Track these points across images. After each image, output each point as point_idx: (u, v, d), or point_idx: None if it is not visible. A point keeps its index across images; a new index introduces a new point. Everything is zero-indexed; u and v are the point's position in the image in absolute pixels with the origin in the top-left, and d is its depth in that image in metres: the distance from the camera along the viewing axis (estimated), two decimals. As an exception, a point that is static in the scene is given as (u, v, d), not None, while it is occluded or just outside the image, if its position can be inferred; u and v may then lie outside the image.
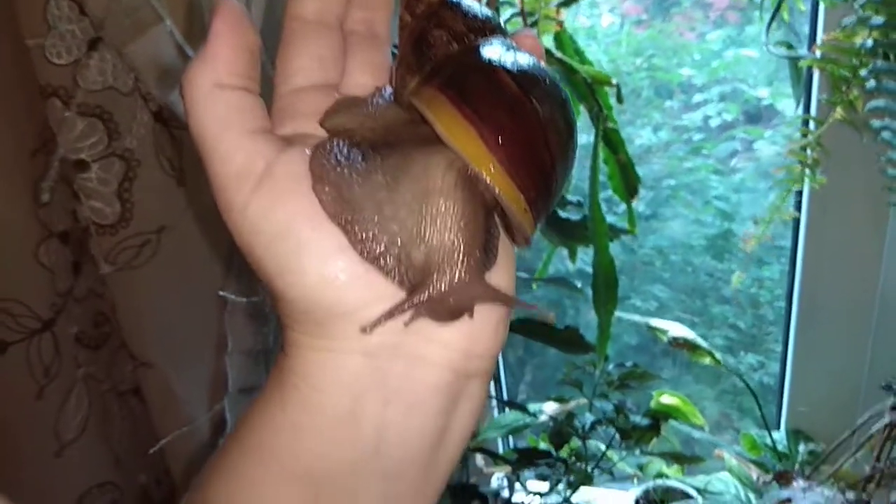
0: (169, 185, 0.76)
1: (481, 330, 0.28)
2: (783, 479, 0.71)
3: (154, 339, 0.78)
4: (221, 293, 0.72)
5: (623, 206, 0.77)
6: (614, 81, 0.65)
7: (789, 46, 0.69)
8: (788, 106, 1.59)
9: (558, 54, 0.64)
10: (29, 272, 0.69)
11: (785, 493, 0.63)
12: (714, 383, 1.59)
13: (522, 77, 0.26)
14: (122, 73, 0.70)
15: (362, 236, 0.25)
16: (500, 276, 0.28)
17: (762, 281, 1.61)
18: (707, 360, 0.86)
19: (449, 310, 0.26)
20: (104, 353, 0.79)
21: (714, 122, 1.61)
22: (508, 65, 0.27)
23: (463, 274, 0.25)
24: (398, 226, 0.25)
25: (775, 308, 1.57)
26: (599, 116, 0.66)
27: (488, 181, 0.25)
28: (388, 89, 0.30)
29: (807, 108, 0.79)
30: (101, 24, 0.66)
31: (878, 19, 0.47)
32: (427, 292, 0.25)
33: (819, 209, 0.82)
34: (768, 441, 0.95)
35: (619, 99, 0.66)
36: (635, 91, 1.59)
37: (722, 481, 0.95)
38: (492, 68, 0.26)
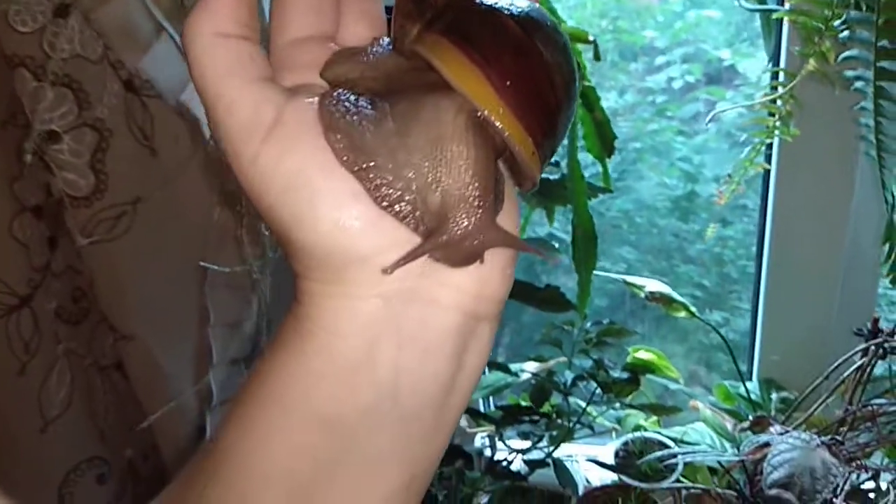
0: (142, 155, 0.75)
1: (491, 273, 0.29)
2: (760, 424, 0.74)
3: (135, 311, 0.77)
4: (202, 264, 0.71)
5: (591, 168, 0.78)
6: (591, 38, 0.65)
7: (761, 0, 0.70)
8: (750, 67, 1.62)
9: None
10: (3, 248, 0.67)
11: (763, 438, 0.66)
12: (682, 341, 1.63)
13: (525, 20, 0.27)
14: (90, 41, 0.68)
15: (377, 183, 0.26)
16: (506, 220, 0.29)
17: (725, 240, 1.65)
18: (682, 314, 0.88)
19: (464, 254, 0.27)
20: (84, 329, 0.79)
21: (677, 84, 1.63)
22: (510, 9, 0.27)
23: (479, 218, 0.26)
24: (413, 171, 0.26)
25: (738, 266, 1.61)
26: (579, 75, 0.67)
27: (498, 124, 0.26)
28: (386, 40, 0.30)
29: (776, 62, 0.81)
30: (66, -10, 0.64)
31: (851, -30, 0.48)
32: (445, 236, 0.26)
33: (789, 162, 0.84)
34: (741, 391, 0.98)
35: (597, 56, 0.67)
36: (601, 53, 1.59)
37: (697, 431, 0.97)
38: (494, 12, 0.27)
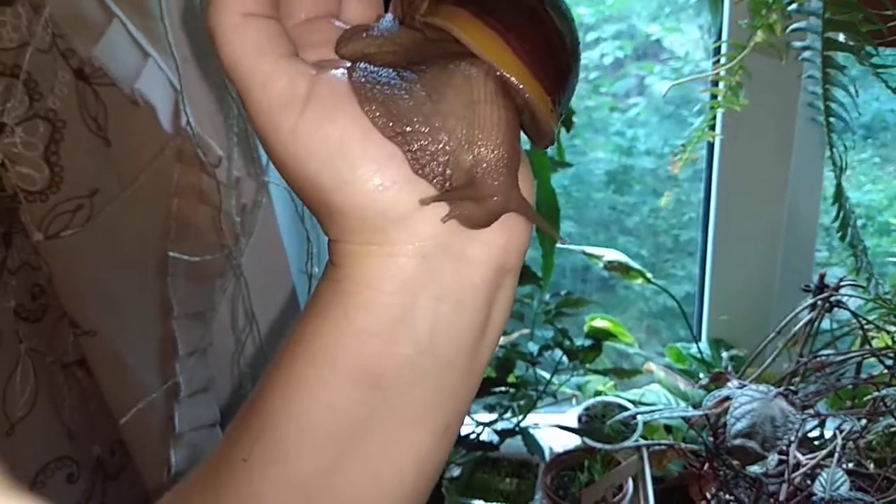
0: (97, 146, 0.73)
1: (514, 225, 0.31)
2: (719, 380, 0.78)
3: (95, 305, 0.76)
4: (171, 254, 0.70)
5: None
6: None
7: (706, -24, 0.72)
8: (676, 41, 1.67)
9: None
10: (-44, 247, 0.65)
11: (724, 392, 0.69)
12: (623, 311, 1.68)
13: None
14: (38, 29, 0.66)
15: (414, 147, 0.28)
16: (524, 184, 0.30)
17: (657, 211, 1.70)
18: (639, 281, 0.92)
19: (487, 213, 0.29)
20: (45, 326, 0.77)
21: (608, 60, 1.66)
22: None
23: (504, 180, 0.28)
24: (448, 135, 0.28)
25: (671, 235, 1.67)
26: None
27: (521, 86, 0.28)
28: (389, 16, 0.31)
29: (718, 35, 0.84)
30: (11, -23, 0.62)
31: (800, -55, 0.51)
32: (474, 190, 0.28)
33: (731, 131, 0.88)
34: (693, 351, 1.03)
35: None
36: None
37: (653, 392, 1.02)
38: None
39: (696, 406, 0.94)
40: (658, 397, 1.02)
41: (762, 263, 0.98)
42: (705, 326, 1.09)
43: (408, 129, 0.28)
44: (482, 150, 0.28)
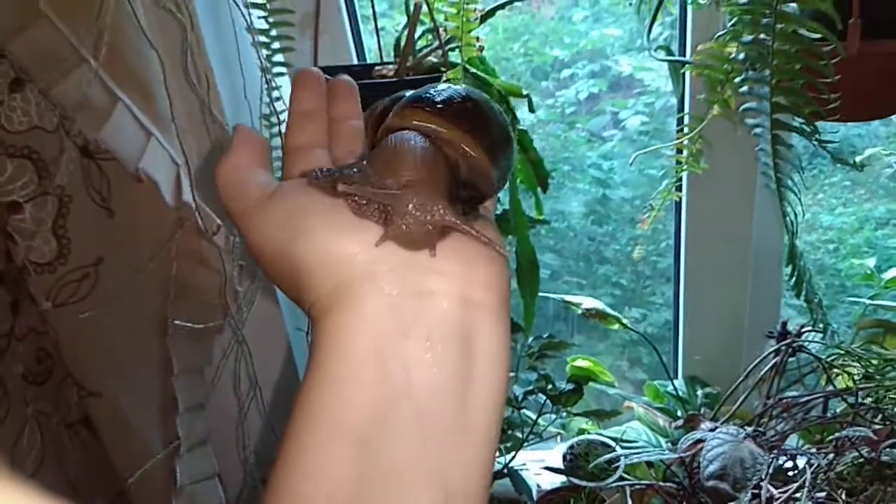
0: (101, 217, 0.77)
1: (475, 258, 0.33)
2: (692, 422, 0.83)
3: (101, 368, 0.79)
4: (177, 322, 0.74)
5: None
6: (525, 92, 0.72)
7: (669, 52, 0.78)
8: (647, 76, 1.74)
9: (473, 70, 0.71)
10: (-32, 318, 0.69)
11: (697, 435, 0.74)
12: (611, 335, 1.73)
13: (452, 92, 0.37)
14: (46, 112, 0.70)
15: (357, 202, 0.33)
16: (488, 231, 0.35)
17: (636, 239, 1.76)
18: (616, 326, 0.97)
19: (418, 224, 0.32)
20: (50, 387, 0.80)
21: (583, 96, 1.73)
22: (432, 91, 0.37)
23: (430, 193, 0.33)
24: (379, 179, 0.34)
25: (650, 262, 1.72)
26: (513, 123, 0.74)
27: (434, 128, 0.34)
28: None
29: (680, 105, 0.90)
30: (22, 67, 0.66)
31: (747, 37, 0.57)
32: (398, 202, 0.32)
33: (698, 190, 0.94)
34: (670, 389, 1.08)
35: (531, 108, 0.74)
36: (515, 76, 1.68)
37: (634, 430, 1.06)
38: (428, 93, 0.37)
39: (674, 443, 0.99)
40: (639, 434, 1.06)
41: (731, 307, 1.03)
42: (681, 364, 1.14)
43: (352, 191, 0.33)
44: (405, 175, 0.33)
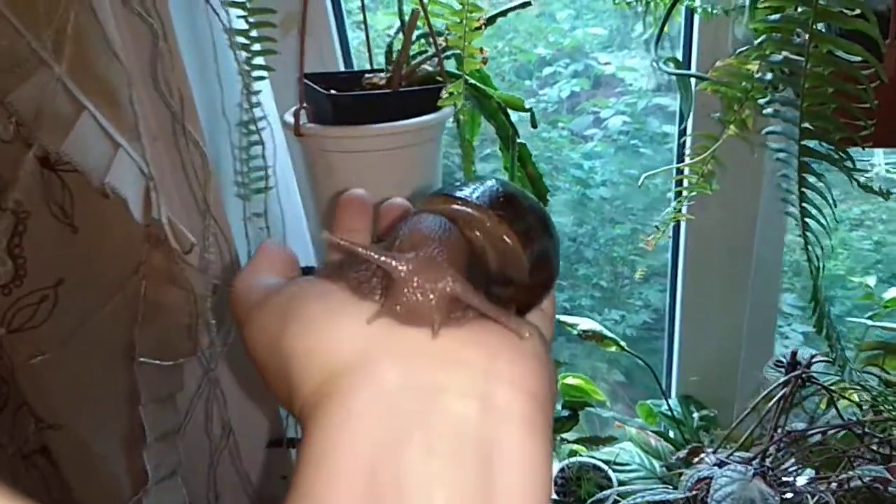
0: (63, 234, 0.70)
1: (502, 348, 0.27)
2: (694, 454, 0.79)
3: (60, 398, 0.73)
4: (142, 360, 0.68)
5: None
6: (527, 105, 0.67)
7: (677, 64, 0.74)
8: (629, 75, 1.73)
9: (472, 82, 0.66)
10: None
11: (704, 472, 0.70)
12: (594, 348, 1.70)
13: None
14: (1, 119, 0.63)
15: (351, 275, 0.29)
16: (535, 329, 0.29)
17: (615, 239, 1.73)
18: (613, 348, 0.92)
19: (420, 298, 0.27)
20: (6, 417, 0.73)
21: (565, 94, 1.70)
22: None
23: (437, 262, 0.27)
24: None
25: (629, 262, 1.70)
26: (513, 137, 0.68)
27: (467, 212, 0.31)
28: None
29: (681, 119, 0.86)
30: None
31: (776, 56, 0.52)
32: (397, 260, 0.27)
33: (700, 204, 0.90)
34: (664, 409, 1.04)
35: (534, 124, 0.69)
36: (499, 75, 1.65)
37: (627, 451, 1.02)
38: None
39: (668, 467, 0.95)
40: (631, 456, 1.03)
41: (729, 326, 1.00)
42: (675, 382, 1.10)
43: (347, 268, 0.29)
44: (416, 248, 0.28)
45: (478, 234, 0.31)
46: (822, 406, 0.85)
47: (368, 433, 0.24)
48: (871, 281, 1.12)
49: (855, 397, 0.77)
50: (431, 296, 0.27)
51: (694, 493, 0.70)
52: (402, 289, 0.27)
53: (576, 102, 1.72)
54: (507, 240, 0.30)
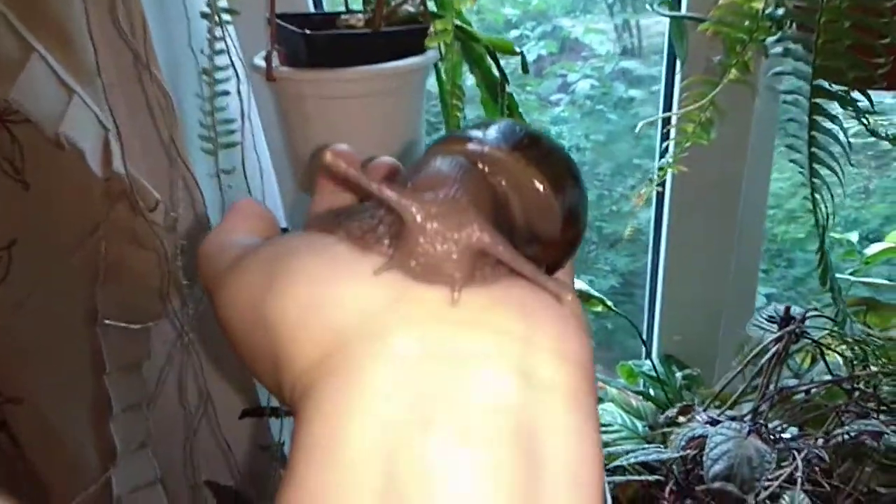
0: (13, 191, 0.65)
1: (541, 312, 0.22)
2: (684, 413, 0.77)
3: (20, 369, 0.68)
4: (107, 322, 0.63)
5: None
6: (518, 50, 0.63)
7: (671, 6, 0.70)
8: (595, 40, 1.72)
9: (459, 23, 0.61)
10: None
11: (698, 431, 0.68)
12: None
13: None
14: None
15: (353, 225, 0.24)
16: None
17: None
18: (599, 308, 0.90)
19: (440, 249, 0.22)
20: (-43, 392, 0.68)
21: (531, 57, 1.68)
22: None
23: (458, 206, 0.23)
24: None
25: (595, 227, 1.70)
26: (503, 85, 0.64)
27: (486, 151, 0.26)
28: None
29: (670, 70, 0.82)
30: None
31: (791, -10, 0.49)
32: (410, 201, 0.22)
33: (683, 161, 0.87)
34: (646, 369, 1.03)
35: (525, 68, 0.65)
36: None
37: (608, 412, 1.01)
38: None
39: (652, 427, 0.94)
40: (613, 417, 1.01)
41: (713, 285, 0.98)
42: (655, 343, 1.09)
43: (344, 216, 0.25)
44: (429, 191, 0.23)
45: (500, 180, 0.26)
46: (807, 362, 0.84)
47: (383, 416, 0.20)
48: (853, 237, 1.11)
49: (847, 353, 0.76)
50: (454, 247, 0.22)
51: (687, 451, 0.69)
52: (418, 238, 0.22)
53: (542, 66, 1.70)
54: (539, 186, 0.26)
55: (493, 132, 0.27)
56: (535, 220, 0.26)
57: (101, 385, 0.74)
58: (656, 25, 1.61)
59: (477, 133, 0.27)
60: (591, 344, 0.24)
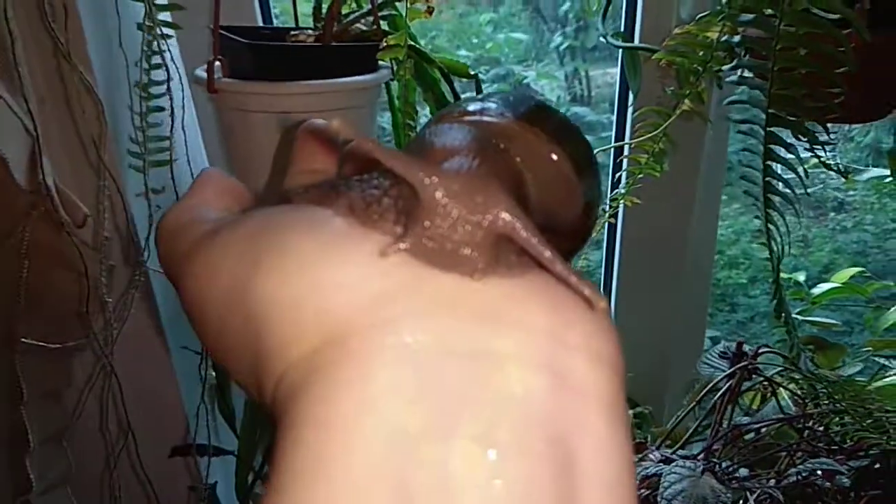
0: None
1: (570, 306, 0.19)
2: (637, 451, 0.75)
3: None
4: (25, 340, 0.58)
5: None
6: (472, 73, 0.62)
7: (625, 38, 0.70)
8: (547, 85, 1.75)
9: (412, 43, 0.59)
10: None
11: (651, 470, 0.66)
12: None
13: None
14: None
15: (368, 206, 0.21)
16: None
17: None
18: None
19: (457, 231, 0.19)
20: None
21: None
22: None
23: (477, 182, 0.19)
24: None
25: None
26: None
27: (502, 123, 0.23)
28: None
29: (622, 100, 0.82)
30: None
31: (747, 16, 0.49)
32: (424, 172, 0.19)
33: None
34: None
35: (479, 91, 0.63)
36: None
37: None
38: None
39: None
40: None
41: (661, 321, 0.98)
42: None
43: (342, 187, 0.21)
44: (445, 164, 0.20)
45: (516, 156, 0.22)
46: (757, 402, 0.84)
47: (394, 422, 0.17)
48: (800, 277, 1.12)
49: (798, 391, 0.75)
50: (475, 229, 0.19)
51: (640, 491, 0.66)
52: (435, 216, 0.19)
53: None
54: (562, 165, 0.23)
55: (500, 102, 0.24)
56: (552, 203, 0.23)
57: (16, 415, 0.68)
58: (604, 77, 1.65)
59: (482, 104, 0.24)
60: (620, 343, 0.21)
